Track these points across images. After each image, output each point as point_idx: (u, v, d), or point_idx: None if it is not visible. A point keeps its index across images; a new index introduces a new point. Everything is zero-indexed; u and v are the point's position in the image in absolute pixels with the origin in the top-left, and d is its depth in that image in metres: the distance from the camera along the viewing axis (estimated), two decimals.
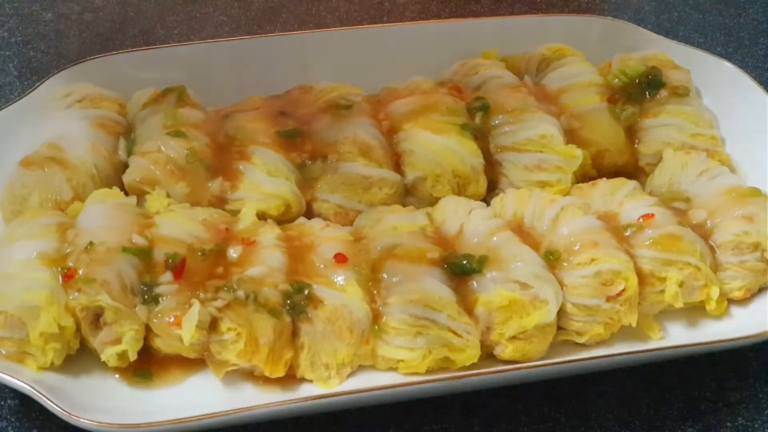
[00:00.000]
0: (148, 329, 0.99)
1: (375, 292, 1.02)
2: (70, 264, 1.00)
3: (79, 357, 1.00)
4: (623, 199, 1.13)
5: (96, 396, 0.97)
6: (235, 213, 1.12)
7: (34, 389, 0.91)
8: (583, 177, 1.22)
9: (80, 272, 0.98)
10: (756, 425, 1.01)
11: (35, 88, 1.24)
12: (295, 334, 0.99)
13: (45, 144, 1.15)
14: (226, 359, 0.97)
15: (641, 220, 1.09)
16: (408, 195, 1.20)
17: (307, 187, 1.17)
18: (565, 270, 1.04)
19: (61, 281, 0.99)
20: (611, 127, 1.25)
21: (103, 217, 1.05)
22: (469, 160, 1.18)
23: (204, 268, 1.02)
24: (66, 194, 1.12)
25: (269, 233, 1.07)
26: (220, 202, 1.15)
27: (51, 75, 1.27)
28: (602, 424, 1.01)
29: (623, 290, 1.02)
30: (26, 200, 1.11)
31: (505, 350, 1.01)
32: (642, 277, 1.04)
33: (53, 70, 1.29)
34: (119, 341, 0.98)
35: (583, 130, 1.24)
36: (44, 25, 1.66)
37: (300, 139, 1.20)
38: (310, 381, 1.00)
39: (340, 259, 1.03)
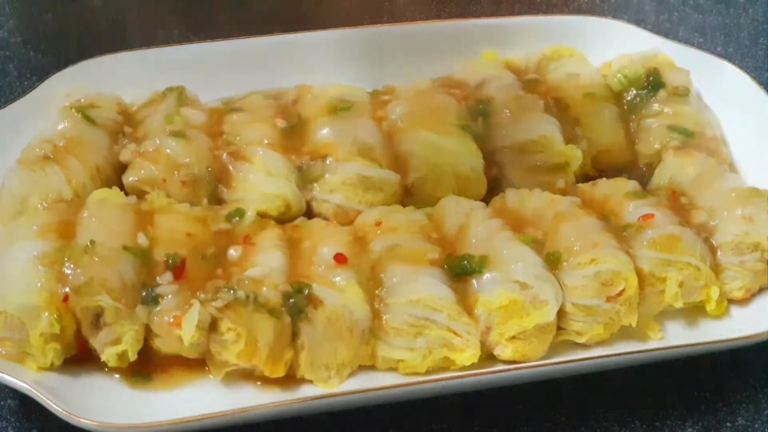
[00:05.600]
0: (148, 329, 0.99)
1: (375, 292, 1.02)
2: (71, 264, 1.00)
3: (79, 357, 1.00)
4: (623, 199, 1.13)
5: (96, 396, 0.96)
6: (235, 213, 1.12)
7: (34, 389, 0.91)
8: (583, 177, 1.22)
9: (80, 272, 0.98)
10: (756, 425, 1.01)
11: (35, 88, 1.24)
12: (295, 334, 0.99)
13: (45, 144, 1.15)
14: (225, 359, 0.97)
15: (641, 220, 1.08)
16: (408, 195, 1.19)
17: (307, 188, 1.17)
18: (565, 270, 1.03)
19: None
20: (611, 127, 1.25)
21: (103, 217, 1.05)
22: (469, 160, 1.18)
23: (204, 269, 1.02)
24: (66, 194, 1.12)
25: (269, 233, 1.07)
26: (219, 202, 1.15)
27: (51, 75, 1.27)
28: (602, 424, 1.01)
29: (623, 290, 1.02)
30: (26, 200, 1.10)
31: (504, 350, 1.01)
32: (642, 278, 1.04)
33: (53, 70, 1.29)
34: (119, 341, 0.97)
35: (584, 130, 1.24)
36: (44, 25, 1.66)
37: (300, 139, 1.20)
38: (310, 381, 1.00)
39: (340, 259, 1.03)
